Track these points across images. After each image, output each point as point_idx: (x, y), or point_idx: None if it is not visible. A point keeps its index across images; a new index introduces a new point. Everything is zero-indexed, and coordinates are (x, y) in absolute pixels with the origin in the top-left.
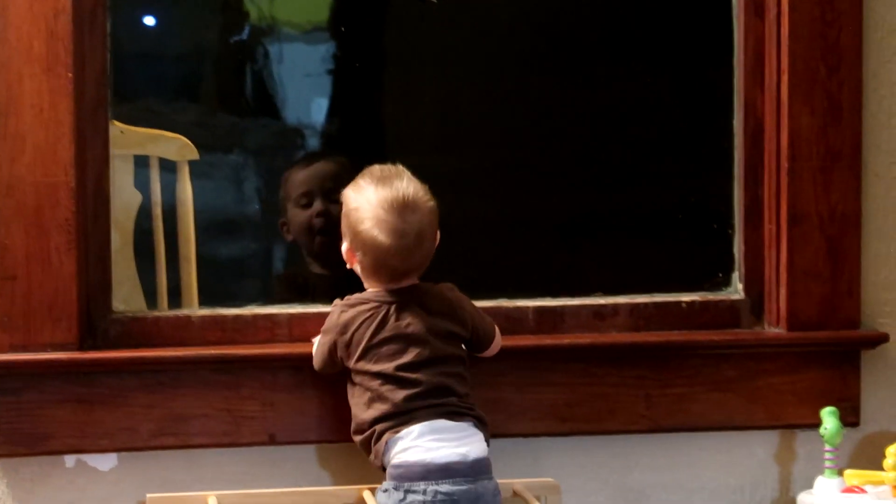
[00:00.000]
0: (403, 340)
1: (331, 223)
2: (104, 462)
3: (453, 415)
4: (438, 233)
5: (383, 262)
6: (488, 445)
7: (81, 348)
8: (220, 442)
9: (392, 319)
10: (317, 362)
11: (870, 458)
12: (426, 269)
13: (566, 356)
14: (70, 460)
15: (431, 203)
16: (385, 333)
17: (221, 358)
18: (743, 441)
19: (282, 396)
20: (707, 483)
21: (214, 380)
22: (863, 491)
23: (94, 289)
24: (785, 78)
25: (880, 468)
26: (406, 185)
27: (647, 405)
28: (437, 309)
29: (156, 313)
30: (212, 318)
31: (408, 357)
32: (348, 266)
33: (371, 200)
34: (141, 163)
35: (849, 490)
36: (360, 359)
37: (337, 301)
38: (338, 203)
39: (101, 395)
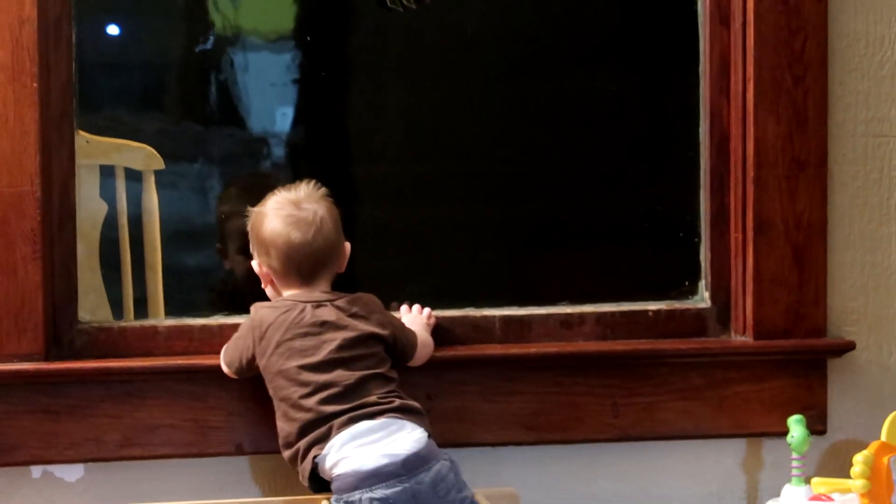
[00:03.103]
0: (317, 336)
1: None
2: (71, 473)
3: (374, 415)
4: (347, 244)
5: (289, 256)
6: (428, 431)
7: (47, 359)
8: (187, 452)
9: (307, 316)
10: (227, 359)
11: (837, 466)
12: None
13: (533, 365)
14: (37, 471)
15: (330, 202)
16: (299, 329)
17: (188, 368)
18: (710, 449)
19: (248, 406)
20: (674, 492)
21: (181, 390)
22: (830, 499)
23: (60, 299)
24: (751, 86)
25: (847, 476)
26: (301, 188)
27: (615, 414)
28: (354, 310)
29: (122, 323)
30: (178, 329)
31: (321, 354)
32: (263, 285)
33: (269, 204)
34: (107, 172)
35: (816, 498)
36: (272, 354)
37: (255, 304)
38: None
39: (68, 406)
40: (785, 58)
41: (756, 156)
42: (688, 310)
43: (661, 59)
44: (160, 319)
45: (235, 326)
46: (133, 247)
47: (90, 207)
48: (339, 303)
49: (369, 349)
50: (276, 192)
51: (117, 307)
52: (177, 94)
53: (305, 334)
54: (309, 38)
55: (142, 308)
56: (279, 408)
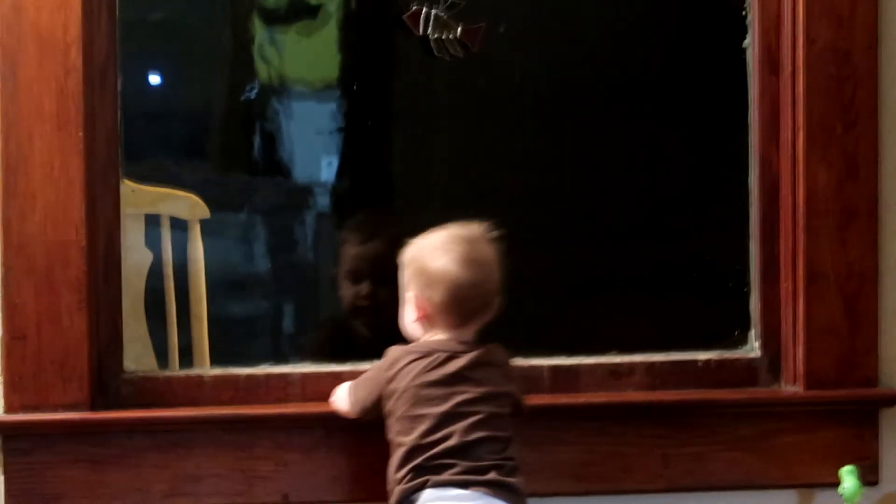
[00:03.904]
0: (447, 387)
1: (375, 304)
2: None
3: (467, 484)
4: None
5: (455, 295)
6: None
7: (93, 408)
8: (233, 502)
9: (441, 366)
10: (354, 397)
11: None
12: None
13: (582, 415)
14: None
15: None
16: (430, 377)
17: (234, 418)
18: (760, 500)
19: (295, 456)
20: None
21: (227, 440)
22: None
23: (104, 348)
24: (801, 135)
25: None
26: (475, 227)
27: (664, 464)
28: (487, 361)
29: (167, 373)
30: (224, 378)
31: (446, 405)
32: (413, 319)
33: (438, 240)
34: (152, 221)
35: None
36: (399, 398)
37: (392, 347)
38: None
39: (113, 456)
40: (835, 106)
41: (807, 204)
42: (738, 360)
43: (711, 108)
44: (205, 369)
45: (282, 376)
46: (178, 296)
47: (135, 256)
48: (474, 355)
49: (495, 408)
50: (443, 227)
51: (162, 357)
52: (221, 143)
53: (435, 383)
54: (355, 87)
55: (187, 357)
56: (394, 451)
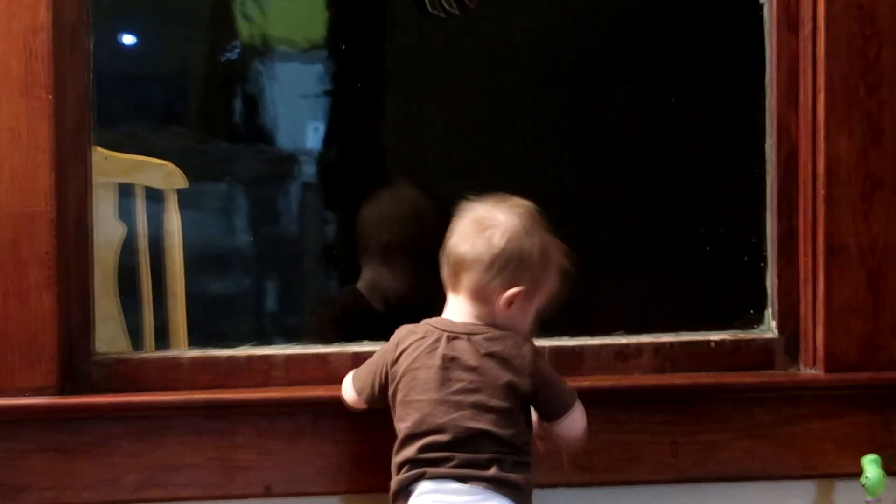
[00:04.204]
0: (444, 371)
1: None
2: None
3: (465, 478)
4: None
5: (449, 258)
6: None
7: (61, 393)
8: (211, 494)
9: (440, 348)
10: (358, 385)
11: None
12: None
13: (586, 400)
14: None
15: (533, 225)
16: (427, 360)
17: (213, 403)
18: (778, 492)
19: (278, 445)
20: None
21: (205, 427)
22: None
23: (74, 328)
24: (821, 98)
25: None
26: (511, 200)
27: (674, 453)
28: (494, 350)
29: (141, 355)
30: (202, 360)
31: (441, 393)
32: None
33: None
34: (125, 192)
35: None
36: (398, 382)
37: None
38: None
39: (83, 444)
40: (858, 66)
41: (827, 173)
42: (753, 340)
43: (724, 68)
44: (183, 350)
45: (265, 358)
46: (153, 272)
47: (107, 230)
48: (478, 338)
49: (497, 401)
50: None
51: (136, 337)
52: (200, 108)
53: (431, 367)
54: (343, 47)
55: (163, 338)
56: (397, 439)
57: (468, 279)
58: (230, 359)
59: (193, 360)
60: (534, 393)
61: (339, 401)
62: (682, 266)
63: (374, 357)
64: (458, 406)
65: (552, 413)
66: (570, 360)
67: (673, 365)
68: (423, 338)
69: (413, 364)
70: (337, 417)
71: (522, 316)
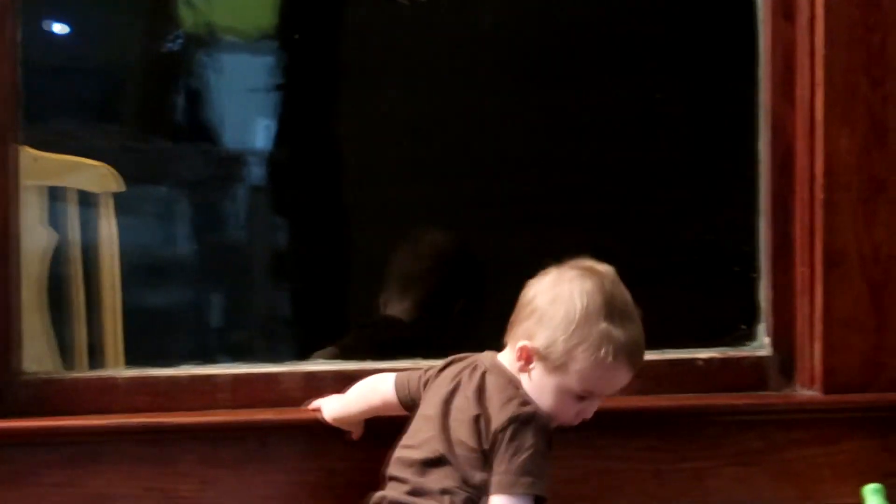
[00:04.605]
0: (452, 394)
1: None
2: None
3: None
4: (529, 345)
5: None
6: None
7: None
8: None
9: (466, 374)
10: (400, 374)
11: None
12: None
13: (563, 425)
14: None
15: (582, 289)
16: (447, 381)
17: (151, 427)
18: None
19: (223, 473)
20: None
21: (143, 454)
22: None
23: None
24: (820, 93)
25: None
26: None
27: (658, 482)
28: (490, 394)
29: (73, 375)
30: (140, 381)
31: (414, 439)
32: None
33: None
34: (56, 196)
35: None
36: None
37: None
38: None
39: (8, 472)
40: (861, 58)
41: (826, 175)
42: (745, 358)
43: (713, 60)
44: (119, 370)
45: (209, 379)
46: (87, 284)
47: (36, 237)
48: (491, 377)
49: (471, 442)
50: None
51: (68, 356)
52: (139, 104)
53: (446, 387)
54: (296, 37)
55: (97, 357)
56: None
57: (512, 324)
58: (171, 379)
59: (130, 380)
60: (489, 453)
61: (290, 425)
62: (667, 277)
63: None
64: (435, 426)
65: (488, 485)
66: None
67: (657, 385)
68: (463, 359)
69: (437, 380)
70: (287, 444)
71: (539, 387)
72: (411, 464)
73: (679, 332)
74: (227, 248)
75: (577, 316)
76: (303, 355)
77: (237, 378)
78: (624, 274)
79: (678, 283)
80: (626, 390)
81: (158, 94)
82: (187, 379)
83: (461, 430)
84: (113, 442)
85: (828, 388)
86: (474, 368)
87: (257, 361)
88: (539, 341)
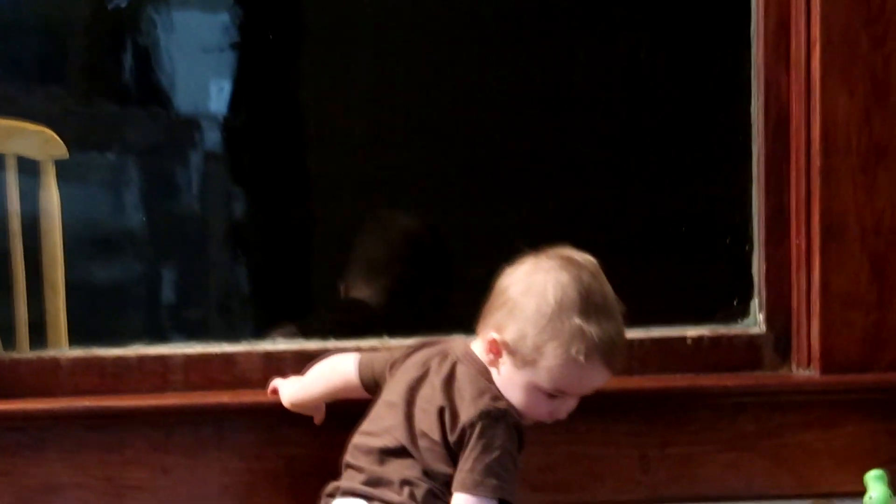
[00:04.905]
0: (419, 381)
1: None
2: None
3: (371, 497)
4: (499, 338)
5: None
6: None
7: None
8: None
9: (435, 361)
10: (363, 356)
11: None
12: None
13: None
14: None
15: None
16: (413, 367)
17: (99, 411)
18: None
19: (177, 460)
20: None
21: (90, 440)
22: None
23: None
24: (816, 52)
25: None
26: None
27: (643, 469)
28: (459, 384)
29: (13, 355)
30: (86, 361)
31: (374, 426)
32: None
33: None
34: None
35: None
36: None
37: None
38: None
39: None
40: (860, 14)
41: (823, 140)
42: (737, 336)
43: (702, 17)
44: (63, 350)
45: (161, 359)
46: (27, 258)
47: None
48: (462, 367)
49: (434, 434)
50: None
51: (7, 335)
52: (84, 64)
53: (413, 373)
54: None
55: (39, 336)
56: None
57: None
58: (119, 359)
59: (75, 360)
60: (456, 449)
61: (248, 409)
62: (653, 249)
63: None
64: (399, 414)
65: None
66: None
67: (642, 365)
68: (433, 345)
69: (405, 365)
70: (246, 429)
71: (509, 382)
72: (369, 451)
73: (666, 309)
74: (180, 220)
75: (550, 310)
76: (261, 334)
77: (191, 358)
78: (608, 247)
79: (665, 256)
80: None
81: (105, 54)
82: (137, 359)
83: (425, 422)
84: (57, 428)
85: (826, 368)
86: (444, 357)
87: (212, 340)
88: (509, 334)
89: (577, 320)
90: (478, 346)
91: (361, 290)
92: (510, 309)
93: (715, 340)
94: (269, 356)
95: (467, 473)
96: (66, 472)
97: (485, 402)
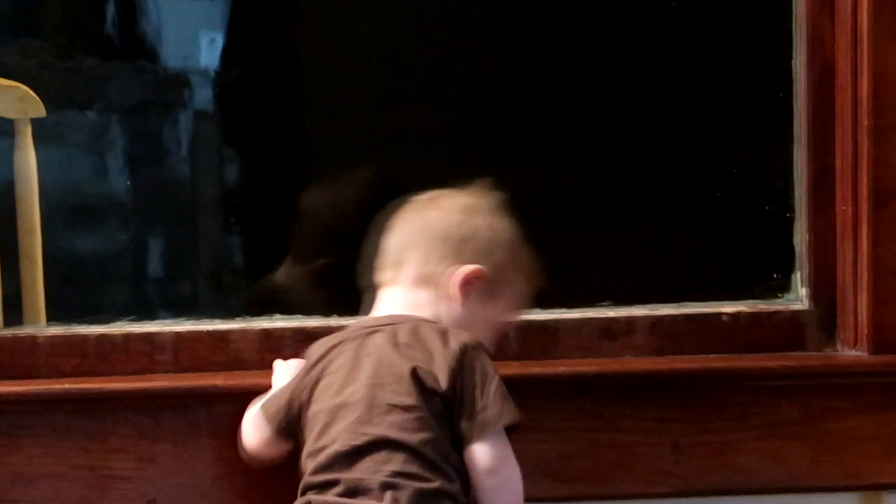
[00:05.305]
0: (351, 369)
1: None
2: None
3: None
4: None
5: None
6: None
7: None
8: None
9: (354, 347)
10: (268, 409)
11: None
12: None
13: (562, 390)
14: None
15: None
16: (336, 365)
17: (80, 395)
18: None
19: (165, 448)
20: None
21: (70, 425)
22: None
23: None
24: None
25: None
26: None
27: (675, 458)
28: (420, 338)
29: None
30: (66, 340)
31: (341, 396)
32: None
33: None
34: None
35: None
36: (309, 400)
37: None
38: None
39: None
40: None
41: (873, 97)
42: (778, 313)
43: None
44: (41, 327)
45: (147, 337)
46: (2, 227)
47: None
48: (404, 327)
49: (398, 397)
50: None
51: None
52: (61, 15)
53: (340, 369)
54: None
55: (15, 311)
56: None
57: (410, 261)
58: (102, 338)
59: (54, 339)
60: (451, 395)
61: (242, 392)
62: (686, 217)
63: (288, 383)
64: (354, 409)
65: (464, 432)
66: (541, 339)
67: (674, 345)
68: (340, 342)
69: (323, 374)
70: (240, 414)
71: (482, 315)
72: (333, 460)
73: (700, 283)
74: (168, 185)
75: (514, 234)
76: (257, 310)
77: (180, 336)
78: (636, 214)
79: (699, 225)
80: (639, 349)
81: (86, 4)
82: (121, 338)
83: (395, 392)
84: (34, 412)
85: (875, 348)
86: (368, 334)
87: (204, 317)
88: (488, 267)
89: (525, 250)
90: (402, 303)
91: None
92: (479, 243)
93: (753, 317)
94: (266, 334)
95: (488, 410)
96: (44, 461)
97: (461, 337)
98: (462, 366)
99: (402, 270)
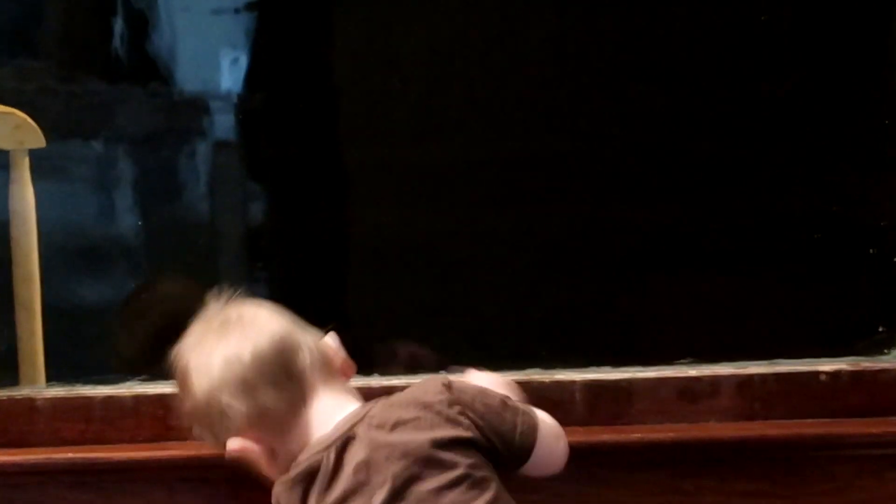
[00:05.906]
0: (362, 491)
1: None
2: None
3: None
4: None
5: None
6: None
7: None
8: None
9: (337, 468)
10: None
11: None
12: None
13: (636, 460)
14: None
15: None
16: (334, 493)
17: (84, 465)
18: None
19: None
20: None
21: (73, 500)
22: None
23: None
24: None
25: None
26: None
27: None
28: (400, 416)
29: None
30: (68, 402)
31: None
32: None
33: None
34: None
35: None
36: None
37: None
38: None
39: None
40: None
41: None
42: (883, 371)
43: None
44: (40, 388)
45: (159, 399)
46: None
47: None
48: (374, 413)
49: (446, 467)
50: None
51: None
52: (64, 34)
53: (345, 497)
54: None
55: (10, 369)
56: None
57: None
58: (109, 400)
59: (55, 401)
60: (484, 437)
61: None
62: (778, 263)
63: None
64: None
65: (519, 451)
66: (612, 401)
67: (765, 408)
68: (306, 476)
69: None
70: (262, 488)
71: None
72: None
73: (795, 337)
74: (185, 225)
75: None
76: None
77: None
78: (721, 261)
79: (792, 271)
80: (724, 413)
81: (90, 21)
82: (131, 400)
83: (433, 474)
84: (32, 485)
85: None
86: (346, 443)
87: None
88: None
89: None
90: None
91: None
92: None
93: (855, 377)
94: None
95: (516, 425)
96: None
97: (437, 383)
98: (458, 400)
99: (300, 381)
